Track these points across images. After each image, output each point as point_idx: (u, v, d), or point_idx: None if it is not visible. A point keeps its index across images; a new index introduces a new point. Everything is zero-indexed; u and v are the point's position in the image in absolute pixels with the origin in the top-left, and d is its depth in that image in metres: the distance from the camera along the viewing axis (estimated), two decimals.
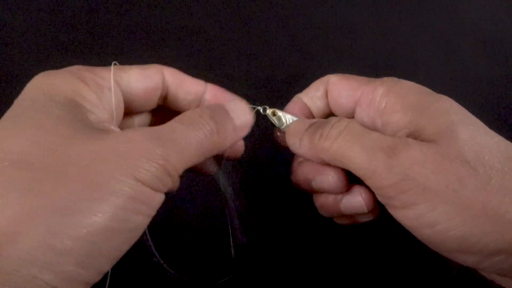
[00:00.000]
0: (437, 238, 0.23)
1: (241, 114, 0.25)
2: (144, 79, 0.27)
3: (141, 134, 0.21)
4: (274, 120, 0.29)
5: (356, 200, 0.27)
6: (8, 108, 0.23)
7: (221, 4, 0.57)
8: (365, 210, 0.27)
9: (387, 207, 0.25)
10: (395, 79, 0.28)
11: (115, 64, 0.25)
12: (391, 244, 0.44)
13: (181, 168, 0.22)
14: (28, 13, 0.54)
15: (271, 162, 0.46)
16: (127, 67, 0.27)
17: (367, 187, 0.26)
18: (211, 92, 0.28)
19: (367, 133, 0.25)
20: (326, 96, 0.30)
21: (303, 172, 0.28)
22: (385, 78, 0.28)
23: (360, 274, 0.44)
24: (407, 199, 0.23)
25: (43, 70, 0.24)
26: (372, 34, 0.56)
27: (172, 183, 0.22)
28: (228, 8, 0.57)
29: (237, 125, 0.25)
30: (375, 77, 0.28)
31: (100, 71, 0.25)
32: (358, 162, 0.24)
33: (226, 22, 0.56)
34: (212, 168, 0.29)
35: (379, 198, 0.25)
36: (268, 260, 0.44)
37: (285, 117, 0.29)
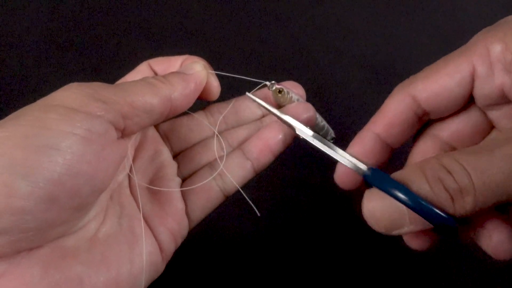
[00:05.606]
0: None
1: (188, 69, 0.27)
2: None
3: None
4: (278, 97, 0.29)
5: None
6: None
7: (221, 4, 0.57)
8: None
9: None
10: (489, 28, 0.25)
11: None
12: (390, 247, 0.44)
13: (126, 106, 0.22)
14: (28, 13, 0.54)
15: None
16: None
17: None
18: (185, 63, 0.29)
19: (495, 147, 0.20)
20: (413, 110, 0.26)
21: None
22: (480, 37, 0.25)
23: (360, 276, 0.44)
24: None
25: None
26: (372, 34, 0.56)
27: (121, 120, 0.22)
28: (227, 8, 0.57)
29: (185, 76, 0.26)
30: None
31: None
32: None
33: (226, 22, 0.56)
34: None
35: None
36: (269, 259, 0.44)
37: (288, 95, 0.29)
